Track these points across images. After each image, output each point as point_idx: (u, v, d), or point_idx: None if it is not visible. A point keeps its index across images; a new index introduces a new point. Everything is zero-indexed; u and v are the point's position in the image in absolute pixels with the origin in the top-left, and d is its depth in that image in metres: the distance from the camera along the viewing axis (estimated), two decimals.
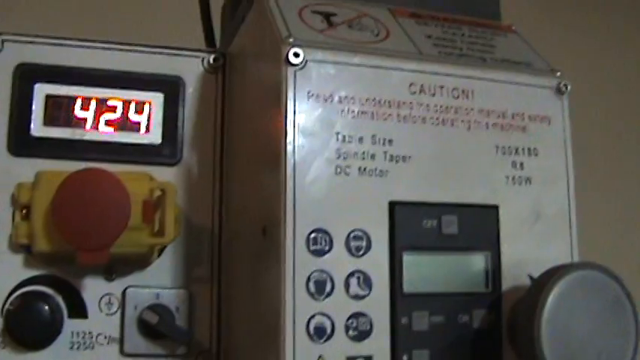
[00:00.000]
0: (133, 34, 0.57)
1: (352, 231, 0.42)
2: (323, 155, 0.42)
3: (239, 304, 0.49)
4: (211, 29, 0.62)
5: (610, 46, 1.35)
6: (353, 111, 0.43)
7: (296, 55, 0.42)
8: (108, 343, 0.50)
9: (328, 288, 0.41)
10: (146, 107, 0.53)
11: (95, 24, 0.91)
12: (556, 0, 1.33)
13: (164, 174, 0.52)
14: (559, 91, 0.48)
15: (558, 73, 0.48)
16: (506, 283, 0.45)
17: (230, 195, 0.52)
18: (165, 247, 0.51)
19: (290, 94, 0.42)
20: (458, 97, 0.45)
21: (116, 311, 0.50)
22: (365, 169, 0.42)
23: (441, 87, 0.45)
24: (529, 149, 0.46)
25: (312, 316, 0.40)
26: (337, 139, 0.42)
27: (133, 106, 0.52)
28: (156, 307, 0.50)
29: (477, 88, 0.46)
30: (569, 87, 0.48)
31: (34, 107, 0.51)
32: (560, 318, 0.41)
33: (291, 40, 0.43)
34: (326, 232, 0.41)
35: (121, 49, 0.53)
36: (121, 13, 1.02)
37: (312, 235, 0.41)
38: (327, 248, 0.41)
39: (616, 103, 1.32)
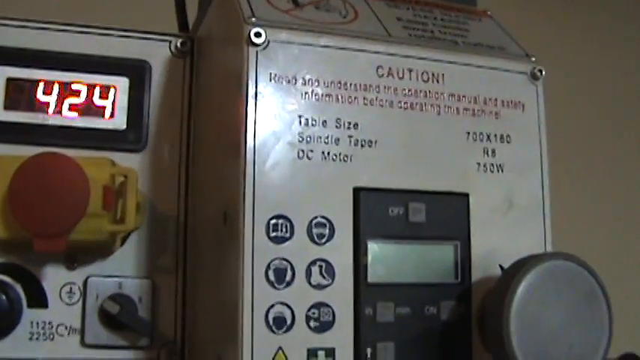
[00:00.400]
0: (101, 18, 0.56)
1: (314, 218, 0.40)
2: (285, 139, 0.40)
3: (203, 294, 0.48)
4: (184, 13, 0.60)
5: (587, 32, 1.33)
6: (317, 94, 0.41)
7: (258, 35, 0.41)
8: (68, 334, 0.49)
9: (288, 277, 0.39)
10: (111, 92, 0.51)
11: (59, 6, 0.90)
12: None
13: (129, 160, 0.50)
14: (534, 77, 0.46)
15: (533, 58, 0.47)
16: (477, 274, 0.43)
17: (196, 182, 0.51)
18: (128, 235, 0.50)
19: (252, 76, 0.40)
20: (428, 80, 0.44)
21: (77, 301, 0.49)
22: (328, 153, 0.41)
23: (410, 70, 0.43)
24: (501, 136, 0.45)
25: (272, 306, 0.39)
26: (300, 123, 0.41)
27: (97, 91, 0.51)
28: (117, 297, 0.48)
29: (447, 72, 0.44)
30: (544, 72, 0.46)
31: None
32: (530, 310, 0.39)
33: (253, 19, 0.41)
34: (287, 219, 0.40)
35: (86, 32, 0.52)
36: None
37: (273, 222, 0.40)
38: (287, 235, 0.40)
39: (592, 91, 1.31)
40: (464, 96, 0.44)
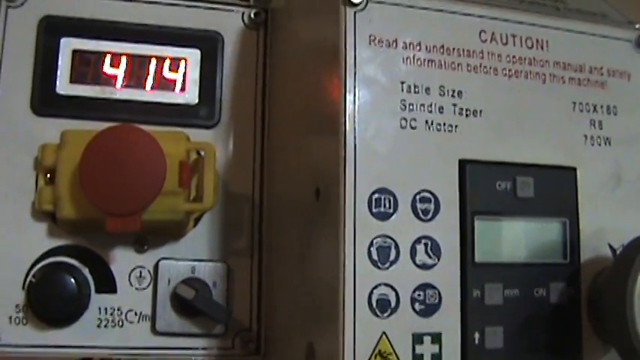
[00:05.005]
0: None
1: (419, 192, 0.37)
2: (387, 107, 0.37)
3: (284, 278, 0.45)
4: None
5: None
6: (419, 58, 0.38)
7: None
8: (138, 321, 0.46)
9: (392, 255, 0.36)
10: (182, 64, 0.48)
11: None
12: None
13: (201, 137, 0.47)
14: (639, 45, 0.43)
15: (637, 25, 0.44)
16: (585, 254, 0.40)
17: (273, 158, 0.48)
18: (201, 215, 0.47)
19: (349, 39, 0.37)
20: (532, 47, 0.41)
21: (148, 286, 0.46)
22: (432, 122, 0.38)
23: (514, 36, 0.41)
24: (608, 107, 0.42)
25: (375, 287, 0.36)
26: (402, 89, 0.38)
27: (167, 63, 0.48)
28: (192, 282, 0.45)
29: (552, 39, 0.41)
30: None
31: (59, 63, 0.47)
32: None
33: None
34: (390, 193, 0.37)
35: (155, 2, 0.49)
36: None
37: (375, 196, 0.37)
38: (391, 211, 0.37)
39: None
40: (569, 64, 0.41)
